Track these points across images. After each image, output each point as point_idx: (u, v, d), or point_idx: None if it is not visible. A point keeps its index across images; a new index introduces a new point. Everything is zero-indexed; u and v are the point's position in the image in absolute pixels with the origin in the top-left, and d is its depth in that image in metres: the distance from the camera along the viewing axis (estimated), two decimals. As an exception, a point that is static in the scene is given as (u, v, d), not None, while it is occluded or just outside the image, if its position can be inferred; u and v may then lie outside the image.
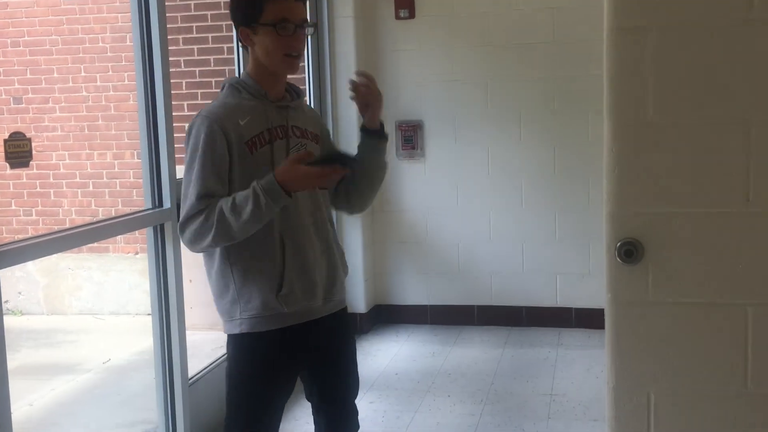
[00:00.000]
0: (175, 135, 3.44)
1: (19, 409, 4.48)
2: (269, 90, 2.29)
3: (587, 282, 5.20)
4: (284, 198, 2.11)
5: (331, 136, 2.67)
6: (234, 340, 2.30)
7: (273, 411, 2.36)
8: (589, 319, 5.12)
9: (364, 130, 2.40)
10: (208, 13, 5.38)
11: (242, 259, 2.23)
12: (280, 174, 2.11)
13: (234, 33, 4.07)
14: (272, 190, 2.09)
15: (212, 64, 5.36)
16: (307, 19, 2.28)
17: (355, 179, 2.38)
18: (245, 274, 2.24)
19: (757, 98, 1.68)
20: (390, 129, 5.42)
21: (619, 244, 1.76)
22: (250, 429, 2.33)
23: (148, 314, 3.53)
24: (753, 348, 1.73)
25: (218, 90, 2.38)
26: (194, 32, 5.42)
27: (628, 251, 1.75)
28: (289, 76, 2.36)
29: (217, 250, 2.25)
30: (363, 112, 2.37)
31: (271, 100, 2.29)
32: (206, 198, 2.16)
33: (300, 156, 2.14)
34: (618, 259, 1.76)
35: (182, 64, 5.39)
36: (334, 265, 2.36)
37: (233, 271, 2.25)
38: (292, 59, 2.26)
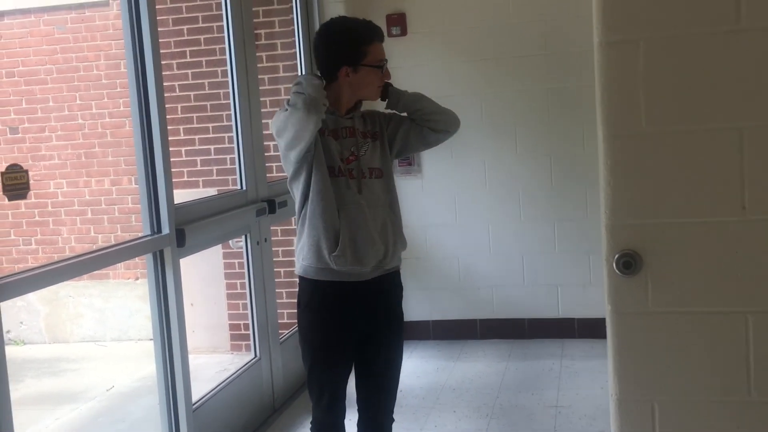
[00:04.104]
0: (171, 160, 3.45)
1: (23, 440, 4.46)
2: (339, 110, 2.79)
3: (589, 292, 5.19)
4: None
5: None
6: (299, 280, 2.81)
7: (332, 353, 2.80)
8: (592, 329, 5.11)
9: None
10: (201, 37, 5.41)
11: (313, 219, 2.68)
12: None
13: (228, 57, 4.15)
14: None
15: (207, 88, 5.38)
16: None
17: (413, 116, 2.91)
18: (311, 230, 2.69)
19: (748, 106, 1.69)
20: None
21: (617, 255, 1.76)
22: (312, 360, 2.79)
23: (150, 339, 3.53)
24: (755, 356, 1.73)
25: (213, 113, 2.66)
26: (188, 57, 5.44)
27: (627, 263, 1.75)
28: None
29: (302, 207, 2.73)
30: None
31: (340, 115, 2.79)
32: None
33: None
34: (617, 270, 1.76)
35: (177, 89, 5.41)
36: (386, 241, 2.81)
37: (306, 224, 2.71)
38: (381, 87, 2.82)
